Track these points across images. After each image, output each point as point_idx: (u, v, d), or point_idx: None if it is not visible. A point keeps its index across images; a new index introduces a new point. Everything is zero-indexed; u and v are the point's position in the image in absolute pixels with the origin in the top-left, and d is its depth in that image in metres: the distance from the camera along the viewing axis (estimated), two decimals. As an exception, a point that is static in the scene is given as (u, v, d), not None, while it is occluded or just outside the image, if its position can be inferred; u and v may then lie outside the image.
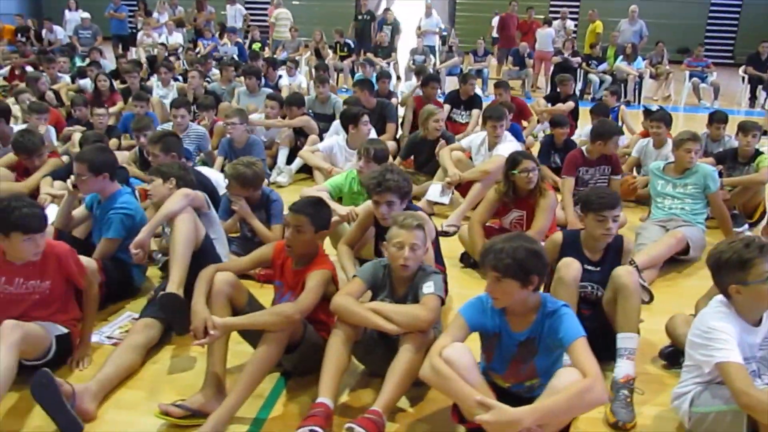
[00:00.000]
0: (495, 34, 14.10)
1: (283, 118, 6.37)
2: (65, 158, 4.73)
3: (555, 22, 12.80)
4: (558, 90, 8.59)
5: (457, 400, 2.32)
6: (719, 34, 18.50)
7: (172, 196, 3.22)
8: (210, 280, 2.83)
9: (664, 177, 4.63)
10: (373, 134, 5.65)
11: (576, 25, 13.51)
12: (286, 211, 4.19)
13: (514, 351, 2.48)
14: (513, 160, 4.06)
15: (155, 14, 13.13)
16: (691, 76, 11.44)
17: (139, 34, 12.83)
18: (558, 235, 3.31)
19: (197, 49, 12.82)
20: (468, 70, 11.96)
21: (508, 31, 12.79)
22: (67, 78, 8.59)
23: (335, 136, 5.74)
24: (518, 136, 6.41)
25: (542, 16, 13.33)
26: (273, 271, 3.09)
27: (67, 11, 13.68)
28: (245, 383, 2.60)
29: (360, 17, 13.68)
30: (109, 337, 3.33)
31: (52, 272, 2.86)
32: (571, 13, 14.47)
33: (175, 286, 2.89)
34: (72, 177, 3.61)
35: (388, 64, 12.05)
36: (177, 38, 12.74)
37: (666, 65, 12.06)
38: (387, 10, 13.82)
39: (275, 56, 11.58)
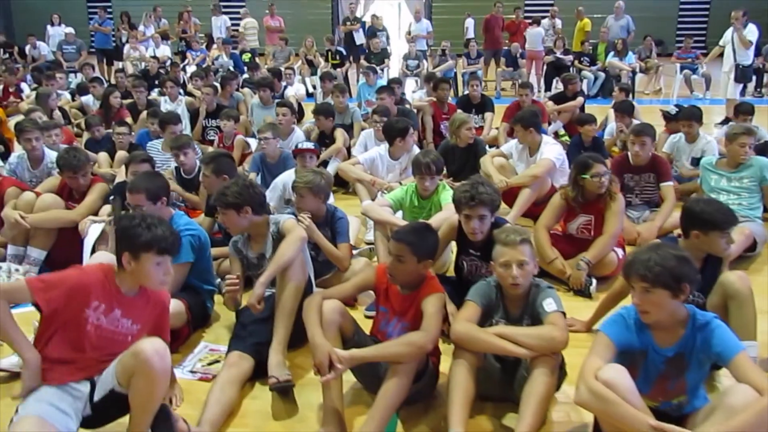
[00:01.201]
0: (469, 36, 14.10)
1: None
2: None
3: (544, 21, 12.79)
4: (564, 89, 8.57)
5: (623, 425, 2.18)
6: (691, 25, 18.81)
7: (287, 241, 2.98)
8: (319, 309, 2.66)
9: (718, 171, 4.58)
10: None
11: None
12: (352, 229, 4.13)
13: (661, 368, 2.35)
14: (584, 164, 3.94)
15: (141, 27, 12.74)
16: (681, 69, 11.52)
17: (126, 48, 12.43)
18: None
19: (186, 61, 12.54)
20: (462, 73, 11.98)
21: (493, 33, 12.72)
22: (67, 95, 8.23)
23: (376, 148, 5.55)
24: None
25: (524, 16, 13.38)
26: (376, 296, 2.91)
27: (49, 26, 13.20)
28: (378, 419, 2.44)
29: (348, 23, 13.48)
30: (192, 372, 3.13)
31: (147, 317, 2.49)
32: (544, 11, 14.53)
33: (280, 347, 2.85)
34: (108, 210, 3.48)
35: (382, 70, 11.87)
36: (164, 51, 12.40)
37: (654, 59, 12.14)
38: (375, 16, 13.65)
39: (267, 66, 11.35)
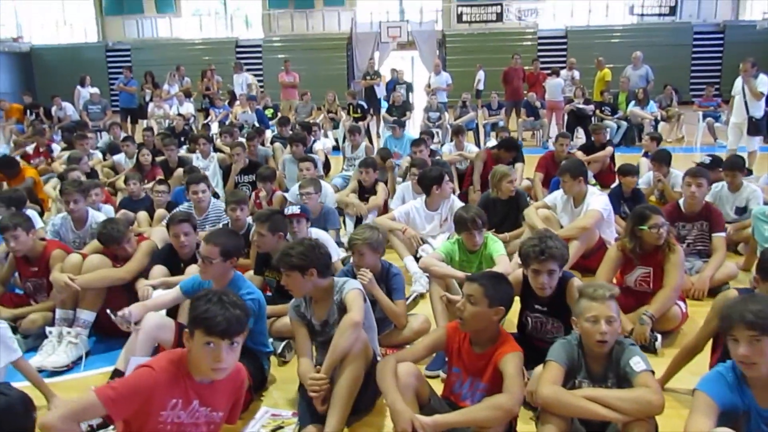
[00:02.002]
0: (479, 87, 14.19)
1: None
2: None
3: (563, 72, 12.95)
4: (592, 138, 8.61)
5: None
6: (704, 73, 19.03)
7: (340, 330, 2.86)
8: (395, 373, 2.58)
9: (774, 221, 4.50)
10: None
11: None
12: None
13: (764, 431, 2.24)
14: (641, 216, 3.88)
15: (166, 86, 13.02)
16: (704, 117, 11.56)
17: (150, 106, 12.68)
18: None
19: (209, 118, 12.76)
20: (483, 124, 12.09)
21: (512, 84, 12.89)
22: (98, 154, 8.33)
23: (412, 201, 5.54)
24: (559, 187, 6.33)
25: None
26: (448, 356, 2.82)
27: (79, 87, 13.50)
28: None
29: (368, 77, 13.72)
30: (256, 440, 3.01)
31: (226, 400, 2.36)
32: (558, 62, 14.73)
33: None
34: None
35: (404, 123, 11.99)
36: (188, 108, 12.59)
37: (675, 107, 12.21)
38: (395, 70, 13.90)
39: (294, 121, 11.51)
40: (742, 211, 5.68)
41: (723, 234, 4.77)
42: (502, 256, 3.97)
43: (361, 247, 3.62)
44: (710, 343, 3.18)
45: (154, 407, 2.12)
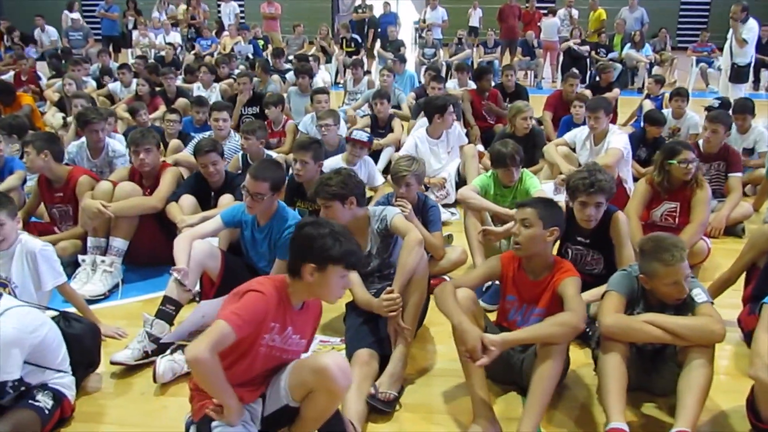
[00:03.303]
0: (473, 24, 13.93)
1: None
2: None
3: (560, 11, 12.78)
4: (598, 78, 8.58)
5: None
6: (691, 18, 18.94)
7: (408, 247, 2.85)
8: (455, 296, 2.62)
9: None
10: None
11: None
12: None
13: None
14: (671, 150, 3.94)
15: (155, 13, 12.49)
16: (697, 62, 11.59)
17: (135, 34, 12.20)
18: None
19: (195, 49, 12.34)
20: (478, 62, 11.94)
21: (508, 22, 12.69)
22: (93, 82, 8.02)
23: (414, 133, 5.53)
24: (568, 127, 6.36)
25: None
26: (502, 285, 2.86)
27: (67, 11, 12.81)
28: (538, 406, 2.42)
29: (360, 10, 13.36)
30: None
31: (309, 328, 2.39)
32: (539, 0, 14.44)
33: (403, 358, 2.82)
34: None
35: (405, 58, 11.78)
36: (175, 38, 12.15)
37: (669, 51, 12.20)
38: (387, 3, 13.54)
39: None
40: (749, 152, 5.79)
41: (740, 174, 4.88)
42: (539, 191, 3.99)
43: (409, 178, 3.61)
44: (743, 276, 3.30)
45: (262, 330, 2.13)
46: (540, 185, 4.12)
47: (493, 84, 7.31)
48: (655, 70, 12.04)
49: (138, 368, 2.97)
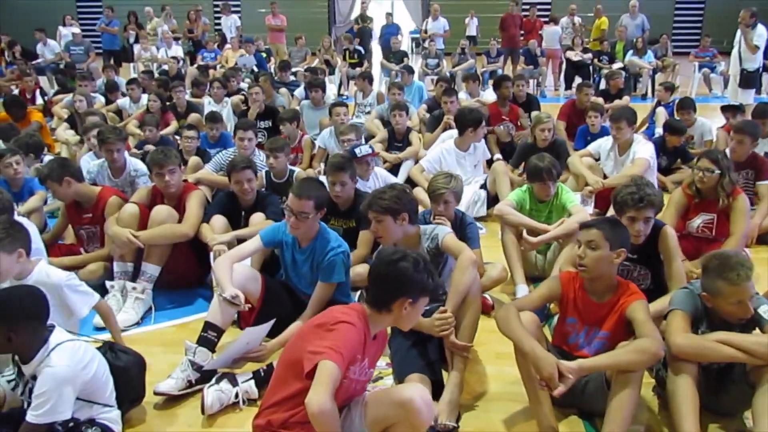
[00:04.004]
0: (471, 33, 13.90)
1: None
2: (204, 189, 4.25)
3: (562, 20, 12.77)
4: (607, 86, 8.55)
5: None
6: (686, 24, 19.03)
7: (462, 266, 2.79)
8: (520, 320, 2.53)
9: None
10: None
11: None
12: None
13: None
14: (699, 156, 3.95)
15: (165, 26, 12.37)
16: (700, 67, 11.59)
17: (136, 48, 12.07)
18: None
19: (197, 61, 12.23)
20: (482, 72, 11.89)
21: (509, 31, 12.65)
22: (101, 98, 7.90)
23: (440, 145, 5.46)
24: (585, 137, 6.31)
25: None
26: (562, 306, 2.77)
27: (61, 27, 12.69)
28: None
29: (361, 21, 13.32)
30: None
31: (379, 357, 2.40)
32: (540, 8, 14.37)
33: (459, 385, 2.76)
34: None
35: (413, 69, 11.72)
36: (177, 51, 12.03)
37: (671, 57, 12.20)
38: (390, 14, 13.49)
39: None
40: (771, 156, 5.74)
41: (767, 182, 4.80)
42: (576, 205, 3.92)
43: (447, 196, 3.52)
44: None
45: (351, 363, 2.06)
46: (577, 200, 4.04)
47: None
48: (658, 76, 12.09)
49: (182, 398, 2.86)
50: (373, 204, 2.94)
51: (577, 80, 11.65)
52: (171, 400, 2.84)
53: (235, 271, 3.09)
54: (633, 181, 3.21)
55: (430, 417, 2.08)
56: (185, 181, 4.15)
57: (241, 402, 2.80)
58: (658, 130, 6.99)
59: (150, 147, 5.64)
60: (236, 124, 5.29)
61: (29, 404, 2.23)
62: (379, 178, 4.69)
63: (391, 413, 2.05)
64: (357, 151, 4.29)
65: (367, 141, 6.03)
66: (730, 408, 2.68)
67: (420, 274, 2.14)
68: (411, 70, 9.05)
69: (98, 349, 2.53)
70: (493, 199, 5.16)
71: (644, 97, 11.19)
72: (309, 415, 1.85)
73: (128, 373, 2.59)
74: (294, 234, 3.16)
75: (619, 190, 3.20)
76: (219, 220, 3.83)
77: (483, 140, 5.45)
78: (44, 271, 2.85)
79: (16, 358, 2.33)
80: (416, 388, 2.11)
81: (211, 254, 3.64)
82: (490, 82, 10.57)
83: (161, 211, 3.72)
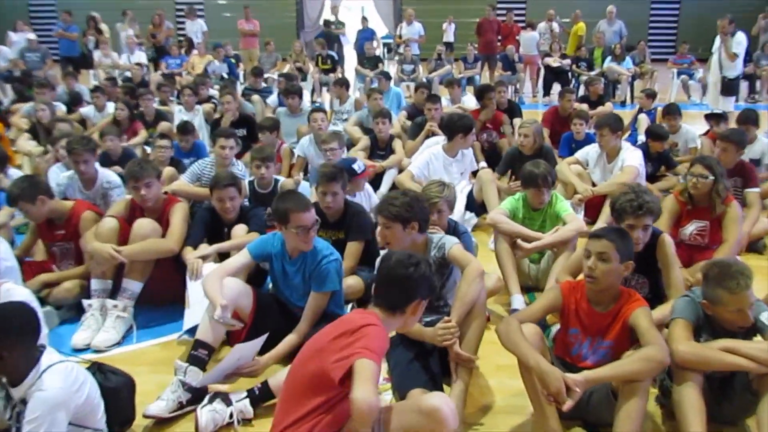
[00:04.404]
0: (448, 39, 14.11)
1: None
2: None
3: (540, 25, 13.01)
4: (587, 92, 8.74)
5: None
6: (661, 30, 19.56)
7: (468, 277, 2.86)
8: (522, 332, 2.59)
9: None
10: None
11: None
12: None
13: None
14: (692, 162, 4.08)
15: (129, 30, 12.24)
16: (678, 74, 11.92)
17: (97, 55, 11.92)
18: None
19: (160, 70, 12.13)
20: (459, 78, 12.03)
21: (486, 36, 12.85)
22: (62, 106, 7.78)
23: (427, 150, 5.52)
24: (569, 144, 6.45)
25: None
26: (564, 317, 2.83)
27: (11, 33, 12.45)
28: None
29: (333, 26, 13.39)
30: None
31: None
32: (517, 13, 14.63)
33: (464, 392, 2.83)
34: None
35: (375, 74, 11.82)
36: (140, 57, 11.93)
37: (648, 64, 12.53)
38: (365, 19, 13.59)
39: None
40: (755, 163, 5.93)
41: (757, 189, 4.95)
42: (571, 213, 4.01)
43: (441, 204, 3.57)
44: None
45: None
46: (570, 209, 4.13)
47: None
48: (636, 83, 12.39)
49: (173, 420, 2.85)
50: (383, 210, 2.98)
51: (556, 87, 11.99)
52: (162, 423, 2.82)
53: (225, 286, 3.09)
54: (631, 188, 3.31)
55: (456, 426, 2.11)
56: (166, 193, 4.12)
57: (235, 422, 2.79)
58: (641, 138, 7.17)
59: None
60: (216, 131, 5.28)
61: (17, 430, 2.20)
62: (368, 197, 4.76)
63: (416, 421, 2.08)
64: (356, 167, 4.31)
65: (348, 149, 6.08)
66: (732, 417, 2.76)
67: (432, 275, 2.32)
68: (388, 76, 9.14)
69: (87, 369, 2.50)
70: (479, 207, 5.26)
71: (623, 104, 11.45)
72: (356, 413, 1.88)
73: (118, 395, 2.57)
74: (305, 249, 3.19)
75: (617, 197, 3.29)
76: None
77: (471, 149, 5.52)
78: (7, 292, 2.82)
79: (4, 380, 2.29)
80: (442, 397, 2.16)
81: (188, 271, 3.62)
82: (468, 88, 10.85)
83: (144, 225, 3.70)
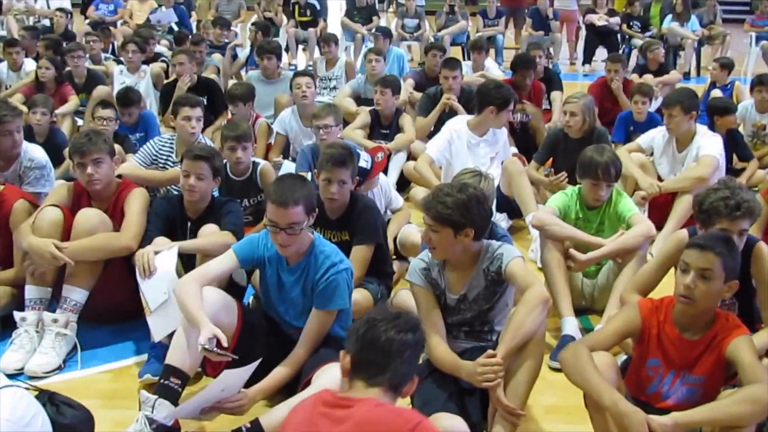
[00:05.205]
0: None
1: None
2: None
3: (581, -30, 13.15)
4: (644, 60, 8.88)
5: None
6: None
7: (528, 305, 2.88)
8: (594, 363, 2.67)
9: None
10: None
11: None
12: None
13: None
14: None
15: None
16: (757, 39, 12.08)
17: (5, -3, 11.92)
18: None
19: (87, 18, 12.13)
20: (477, 36, 12.14)
21: (510, -18, 12.97)
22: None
23: (448, 127, 5.57)
24: (626, 125, 6.56)
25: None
26: (642, 343, 2.90)
27: None
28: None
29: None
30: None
31: None
32: None
33: None
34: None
35: (369, 30, 11.90)
36: (62, 1, 11.93)
37: (720, 25, 12.69)
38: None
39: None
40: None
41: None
42: (638, 214, 4.11)
43: None
44: None
45: None
46: (636, 208, 4.23)
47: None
48: (704, 49, 12.54)
49: (137, 467, 2.89)
50: (431, 208, 2.98)
51: (601, 52, 12.13)
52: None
53: (206, 299, 3.13)
54: (724, 183, 3.40)
55: None
56: (119, 177, 4.15)
57: (217, 472, 2.85)
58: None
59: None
60: (177, 99, 5.29)
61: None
62: (382, 191, 4.80)
63: None
64: (364, 163, 4.34)
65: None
66: None
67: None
68: (388, 33, 9.21)
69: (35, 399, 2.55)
70: (509, 206, 5.33)
71: (687, 76, 11.58)
72: None
73: (75, 428, 2.62)
74: (285, 254, 3.23)
75: (705, 194, 3.37)
76: (159, 241, 3.77)
77: (505, 130, 5.59)
78: None
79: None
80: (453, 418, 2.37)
81: (136, 267, 3.61)
82: (491, 51, 10.93)
83: (90, 216, 3.73)
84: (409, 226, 4.66)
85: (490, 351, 2.86)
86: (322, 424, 2.11)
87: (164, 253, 3.62)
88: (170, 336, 3.24)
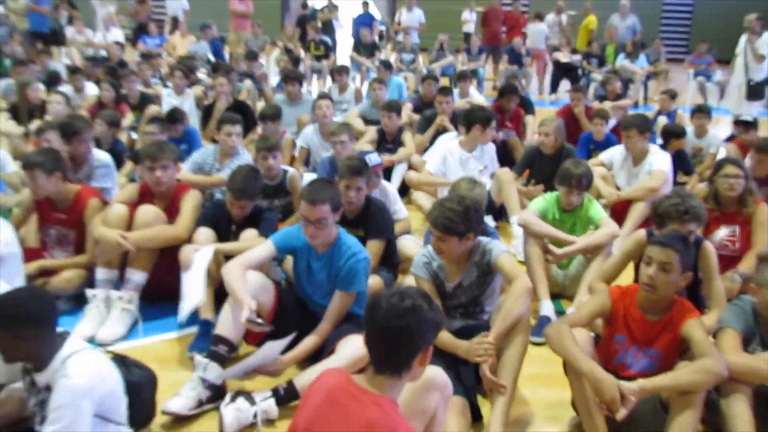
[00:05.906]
0: (467, 30, 14.33)
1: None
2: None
3: (548, 17, 13.19)
4: (605, 90, 8.91)
5: None
6: (674, 26, 19.89)
7: (515, 293, 2.93)
8: (574, 338, 2.69)
9: None
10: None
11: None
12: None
13: None
14: (718, 165, 4.23)
15: (98, 7, 12.20)
16: (695, 75, 12.15)
17: (70, 31, 11.85)
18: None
19: (137, 50, 12.12)
20: (462, 69, 12.17)
21: (492, 27, 12.98)
22: (41, 86, 7.77)
23: (442, 145, 5.61)
24: (587, 145, 6.59)
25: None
26: (611, 323, 2.93)
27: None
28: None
29: (326, 10, 13.46)
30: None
31: None
32: (523, 3, 14.68)
33: (505, 413, 2.84)
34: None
35: (372, 63, 11.92)
36: (116, 35, 11.90)
37: (664, 63, 12.75)
38: (366, 3, 13.65)
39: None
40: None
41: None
42: (606, 218, 4.16)
43: None
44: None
45: None
46: (605, 213, 4.26)
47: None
48: (650, 83, 12.60)
49: (192, 418, 2.93)
50: (438, 222, 3.00)
51: (564, 84, 12.17)
52: (180, 420, 2.89)
53: (247, 280, 3.15)
54: (676, 192, 3.44)
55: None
56: (179, 181, 4.17)
57: (259, 422, 2.87)
58: (659, 142, 7.33)
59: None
60: (221, 118, 5.32)
61: (42, 417, 2.26)
62: (385, 195, 4.77)
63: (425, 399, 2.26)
64: (367, 159, 4.38)
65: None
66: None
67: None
68: (389, 65, 9.22)
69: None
70: (497, 211, 5.35)
71: (636, 105, 11.61)
72: None
73: (141, 390, 2.64)
74: (314, 243, 3.26)
75: (660, 200, 3.42)
76: (204, 234, 3.79)
77: (492, 145, 5.62)
78: None
79: (29, 366, 2.35)
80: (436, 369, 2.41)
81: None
82: (473, 81, 10.95)
83: (147, 211, 3.77)
84: (406, 237, 4.63)
85: (484, 333, 2.91)
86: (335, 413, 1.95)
87: (202, 251, 3.63)
88: (216, 313, 3.29)
